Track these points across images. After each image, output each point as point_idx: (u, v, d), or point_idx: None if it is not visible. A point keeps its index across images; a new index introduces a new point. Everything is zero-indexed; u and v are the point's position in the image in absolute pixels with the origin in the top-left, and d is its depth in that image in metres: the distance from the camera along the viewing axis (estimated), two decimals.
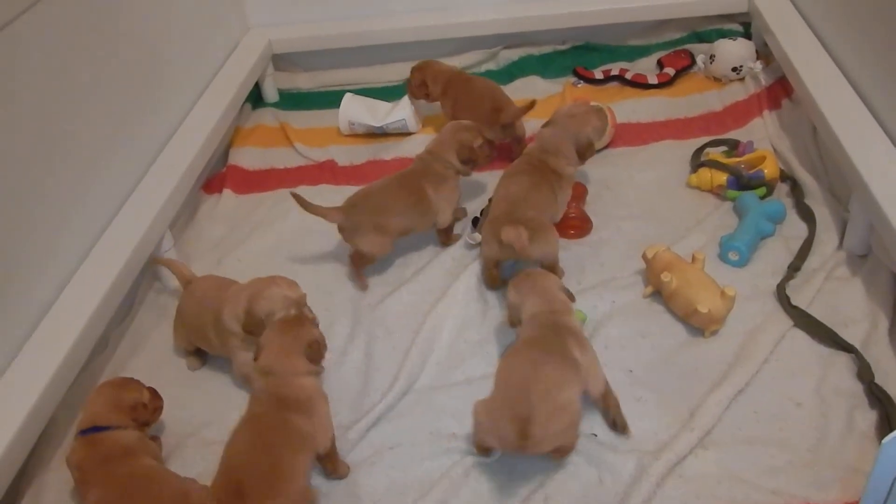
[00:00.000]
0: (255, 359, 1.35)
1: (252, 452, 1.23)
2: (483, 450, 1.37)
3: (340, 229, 1.77)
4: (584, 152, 1.79)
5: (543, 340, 1.35)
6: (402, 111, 2.29)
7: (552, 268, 1.68)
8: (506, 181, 1.75)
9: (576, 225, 1.84)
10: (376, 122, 2.30)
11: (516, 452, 1.29)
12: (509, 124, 2.06)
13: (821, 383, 1.45)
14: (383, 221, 1.75)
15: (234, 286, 1.55)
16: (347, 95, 2.36)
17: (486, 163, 1.87)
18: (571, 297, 1.46)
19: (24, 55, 1.53)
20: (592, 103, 2.09)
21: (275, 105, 2.59)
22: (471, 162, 1.82)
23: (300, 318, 1.41)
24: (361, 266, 1.79)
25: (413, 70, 2.25)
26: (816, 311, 1.56)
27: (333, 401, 1.52)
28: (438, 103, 2.24)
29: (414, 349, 1.59)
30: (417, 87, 2.23)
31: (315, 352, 1.35)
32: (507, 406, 1.26)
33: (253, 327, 1.44)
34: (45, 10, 1.57)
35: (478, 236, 1.80)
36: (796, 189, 1.88)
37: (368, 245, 1.75)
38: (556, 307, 1.41)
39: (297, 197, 1.76)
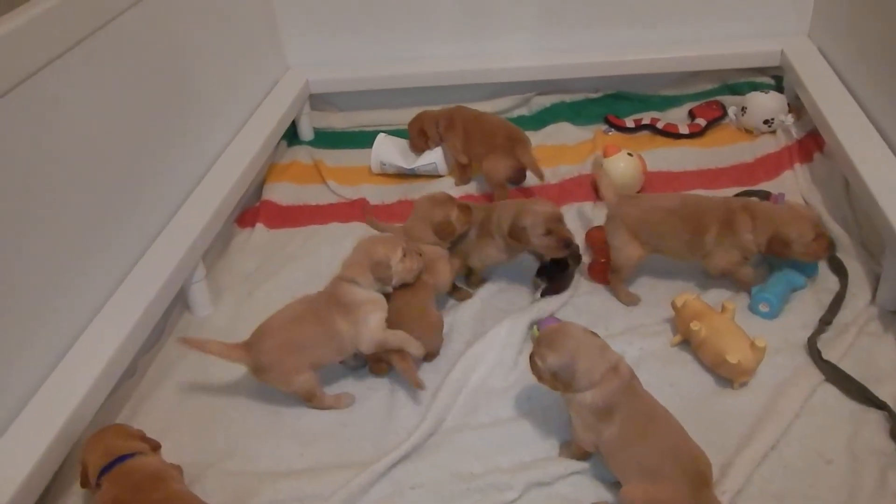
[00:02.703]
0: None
1: (409, 302, 1.64)
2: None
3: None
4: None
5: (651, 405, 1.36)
6: (432, 154, 2.32)
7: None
8: None
9: (606, 270, 1.84)
10: (407, 165, 2.34)
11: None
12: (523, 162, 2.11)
13: (852, 440, 1.42)
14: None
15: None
16: (381, 136, 2.40)
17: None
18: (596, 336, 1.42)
19: (74, 88, 1.58)
20: (624, 151, 2.11)
21: (310, 143, 2.64)
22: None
23: (444, 198, 1.76)
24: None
25: (409, 125, 2.32)
26: (848, 367, 1.54)
27: (357, 434, 1.54)
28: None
29: (443, 390, 1.58)
30: (417, 136, 2.29)
31: (443, 229, 1.71)
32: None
33: (381, 274, 1.58)
34: (92, 47, 1.63)
35: (538, 281, 1.81)
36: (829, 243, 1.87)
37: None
38: (613, 358, 1.35)
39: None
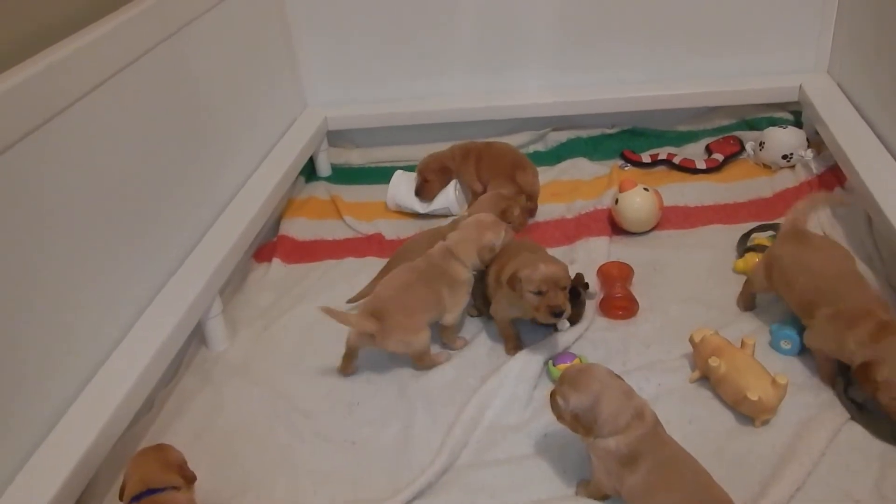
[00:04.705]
0: None
1: None
2: None
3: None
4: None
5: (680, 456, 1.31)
6: (445, 199, 2.34)
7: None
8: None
9: (623, 306, 1.83)
10: (422, 209, 2.35)
11: None
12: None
13: (880, 481, 1.37)
14: None
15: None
16: (397, 174, 2.42)
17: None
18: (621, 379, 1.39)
19: (98, 126, 1.61)
20: (640, 186, 2.11)
21: (327, 179, 2.67)
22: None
23: (506, 196, 2.04)
24: None
25: (423, 168, 2.33)
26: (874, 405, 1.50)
27: (371, 470, 1.53)
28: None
29: (458, 426, 1.56)
30: (438, 173, 2.31)
31: (504, 211, 1.96)
32: None
33: (485, 256, 1.77)
34: (117, 86, 1.67)
35: (566, 323, 1.77)
36: None
37: None
38: (638, 404, 1.31)
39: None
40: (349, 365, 1.76)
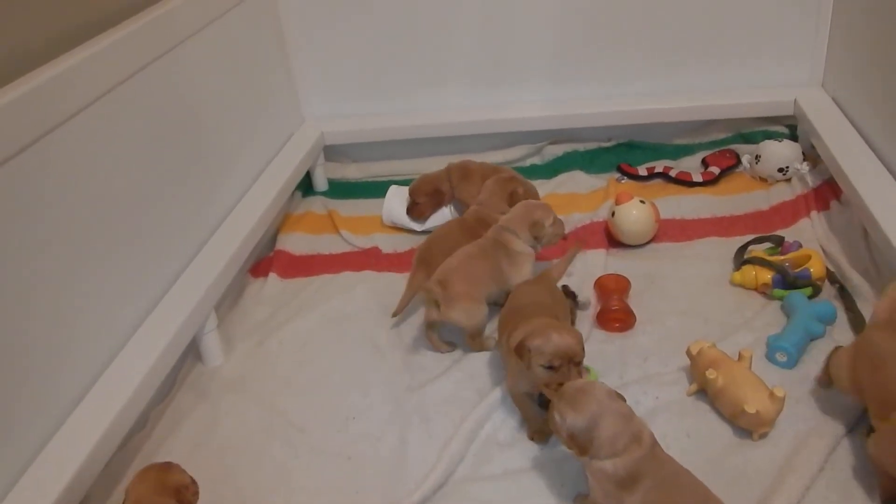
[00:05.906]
0: None
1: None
2: None
3: None
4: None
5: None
6: (440, 217, 2.33)
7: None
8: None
9: (620, 318, 1.82)
10: (417, 227, 2.35)
11: None
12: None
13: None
14: None
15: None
16: (391, 190, 2.41)
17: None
18: (622, 398, 1.36)
19: (95, 139, 1.61)
20: (636, 199, 2.11)
21: (324, 194, 2.67)
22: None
23: (508, 179, 2.13)
24: None
25: (416, 189, 2.30)
26: None
27: (367, 484, 1.52)
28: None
29: (454, 440, 1.55)
30: (431, 195, 2.29)
31: (512, 194, 2.06)
32: None
33: (536, 232, 1.86)
34: (114, 100, 1.67)
35: None
36: (845, 295, 1.83)
37: None
38: (636, 427, 1.29)
39: None
40: (435, 339, 1.83)
